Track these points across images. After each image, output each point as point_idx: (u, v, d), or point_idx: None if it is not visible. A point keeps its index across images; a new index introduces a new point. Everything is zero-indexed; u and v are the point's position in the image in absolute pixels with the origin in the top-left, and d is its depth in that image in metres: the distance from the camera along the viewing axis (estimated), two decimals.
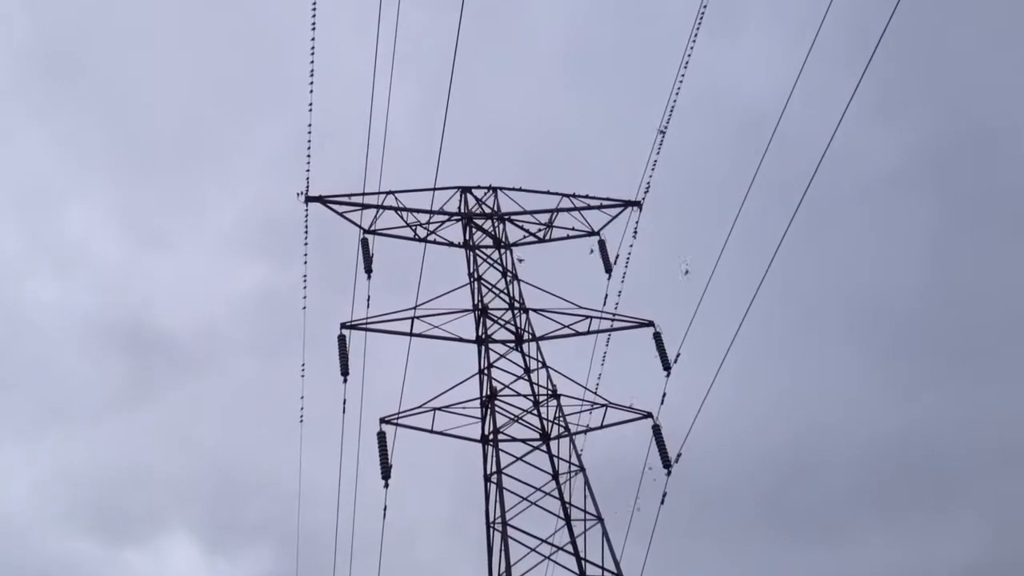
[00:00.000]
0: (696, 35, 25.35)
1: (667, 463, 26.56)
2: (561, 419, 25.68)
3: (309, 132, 25.89)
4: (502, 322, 27.30)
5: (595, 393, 27.58)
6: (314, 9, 23.09)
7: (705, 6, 24.77)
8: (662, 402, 27.10)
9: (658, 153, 27.95)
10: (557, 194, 30.33)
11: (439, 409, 25.67)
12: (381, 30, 23.96)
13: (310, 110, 25.32)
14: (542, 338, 27.18)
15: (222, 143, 62.05)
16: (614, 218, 30.30)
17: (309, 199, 28.15)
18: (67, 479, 57.65)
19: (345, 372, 26.95)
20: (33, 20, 58.98)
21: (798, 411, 47.87)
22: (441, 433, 25.66)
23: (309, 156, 26.77)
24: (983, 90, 50.47)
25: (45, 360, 58.33)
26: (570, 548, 23.53)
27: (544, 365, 26.53)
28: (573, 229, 30.38)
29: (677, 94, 26.87)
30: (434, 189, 28.88)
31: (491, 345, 26.81)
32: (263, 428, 53.80)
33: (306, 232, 28.10)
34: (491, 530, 23.63)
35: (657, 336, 28.15)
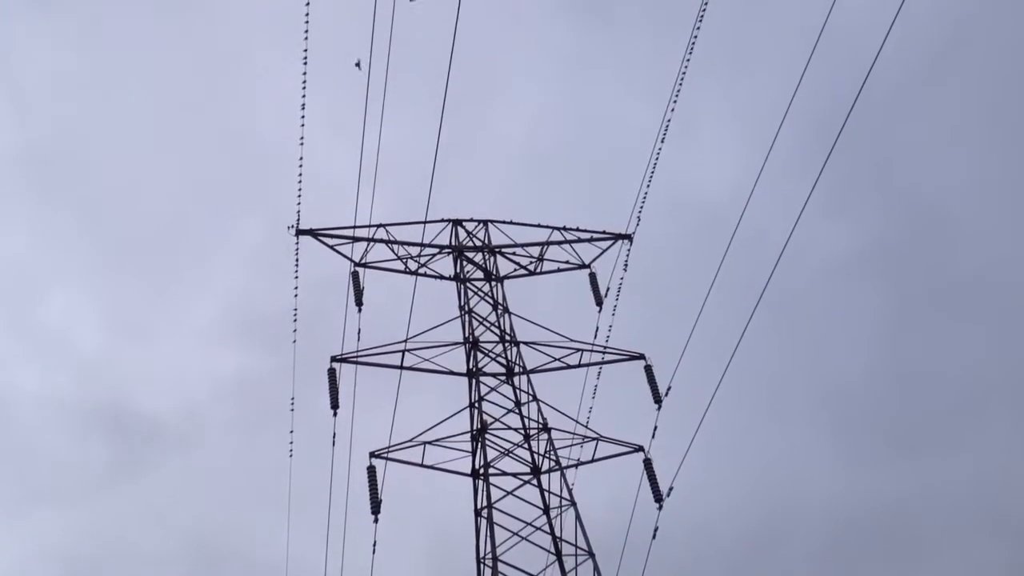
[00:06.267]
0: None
1: (658, 497, 26.37)
2: (552, 453, 25.53)
3: (300, 164, 25.96)
4: (493, 355, 27.22)
5: (586, 427, 27.46)
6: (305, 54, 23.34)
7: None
8: (653, 436, 26.99)
9: (649, 184, 28.08)
10: (548, 227, 30.43)
11: (429, 443, 25.53)
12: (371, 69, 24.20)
13: (301, 143, 25.41)
14: (533, 371, 27.12)
15: (202, 237, 63.63)
16: (604, 251, 30.39)
17: (300, 232, 28.23)
18: (49, 559, 57.53)
19: (335, 405, 26.88)
20: (19, 116, 60.80)
21: (766, 484, 50.38)
22: (431, 467, 25.49)
23: (300, 185, 26.79)
24: (928, 186, 55.02)
25: (26, 444, 58.98)
26: None
27: (535, 398, 26.42)
28: (565, 262, 30.44)
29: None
30: (425, 222, 28.96)
31: (482, 378, 26.72)
32: (245, 505, 54.36)
33: (296, 265, 28.16)
34: (482, 565, 23.39)
35: (648, 369, 28.09)
